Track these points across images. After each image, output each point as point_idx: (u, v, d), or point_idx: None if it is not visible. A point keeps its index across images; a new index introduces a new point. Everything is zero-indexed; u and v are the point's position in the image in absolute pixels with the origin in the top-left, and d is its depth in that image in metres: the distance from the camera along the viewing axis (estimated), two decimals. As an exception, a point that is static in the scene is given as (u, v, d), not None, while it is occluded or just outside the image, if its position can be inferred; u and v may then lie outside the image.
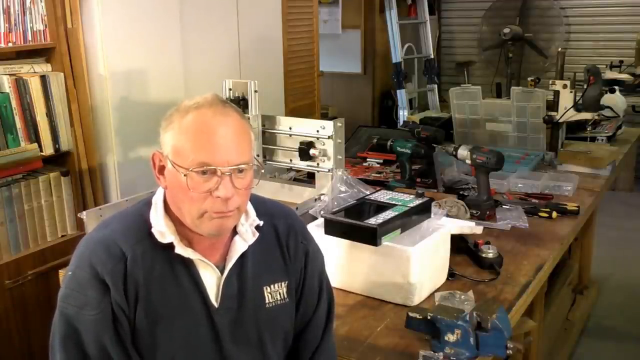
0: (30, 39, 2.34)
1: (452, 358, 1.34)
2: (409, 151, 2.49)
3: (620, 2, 5.49)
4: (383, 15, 5.44)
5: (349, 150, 2.94)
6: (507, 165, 2.25)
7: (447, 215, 1.98)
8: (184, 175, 1.10)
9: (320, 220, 1.74)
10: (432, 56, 5.67)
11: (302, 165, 2.24)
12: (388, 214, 1.65)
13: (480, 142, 2.89)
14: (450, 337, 1.34)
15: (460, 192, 2.39)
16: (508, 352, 1.32)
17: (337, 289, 1.61)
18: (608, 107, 3.18)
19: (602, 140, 3.15)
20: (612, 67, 4.10)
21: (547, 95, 2.90)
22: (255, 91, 2.22)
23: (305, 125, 2.22)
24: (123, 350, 1.13)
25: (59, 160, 2.48)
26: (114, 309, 1.12)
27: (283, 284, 1.27)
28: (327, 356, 1.33)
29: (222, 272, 1.21)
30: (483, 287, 1.72)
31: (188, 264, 1.18)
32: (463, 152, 2.21)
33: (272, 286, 1.25)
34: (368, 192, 1.96)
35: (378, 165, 2.88)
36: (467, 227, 1.85)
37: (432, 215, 1.78)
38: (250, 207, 1.25)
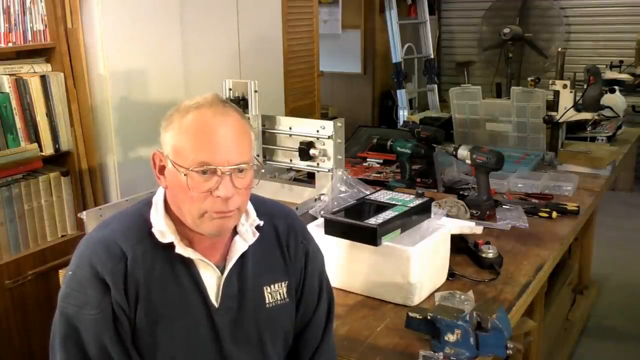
0: (30, 39, 2.34)
1: (452, 358, 1.34)
2: (409, 151, 2.49)
3: (620, 2, 5.49)
4: (383, 15, 5.44)
5: (349, 150, 2.94)
6: (507, 165, 2.25)
7: (447, 215, 1.98)
8: (184, 174, 1.10)
9: (320, 220, 1.74)
10: (432, 56, 5.67)
11: (302, 165, 2.24)
12: (388, 214, 1.65)
13: (480, 142, 2.89)
14: (450, 337, 1.34)
15: (460, 192, 2.39)
16: (508, 352, 1.32)
17: (337, 289, 1.61)
18: (608, 107, 3.18)
19: (602, 140, 3.15)
20: (612, 67, 4.10)
21: (547, 95, 2.90)
22: (255, 91, 2.22)
23: (305, 125, 2.22)
24: (123, 349, 1.13)
25: (59, 160, 2.48)
26: (114, 308, 1.12)
27: (283, 284, 1.27)
28: (327, 356, 1.33)
29: (222, 272, 1.21)
30: (483, 287, 1.72)
31: (188, 263, 1.18)
32: (463, 152, 2.21)
33: (272, 286, 1.25)
34: (368, 192, 1.96)
35: (378, 165, 2.88)
36: (467, 227, 1.85)
37: (432, 215, 1.78)
38: (250, 207, 1.25)
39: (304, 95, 3.96)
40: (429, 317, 1.37)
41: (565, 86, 2.81)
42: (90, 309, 1.11)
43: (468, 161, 2.20)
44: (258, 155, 2.25)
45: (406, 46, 5.51)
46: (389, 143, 2.58)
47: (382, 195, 1.81)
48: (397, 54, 5.32)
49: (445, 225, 1.75)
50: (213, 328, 1.19)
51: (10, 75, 2.30)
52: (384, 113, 5.85)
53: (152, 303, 1.14)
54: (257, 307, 1.23)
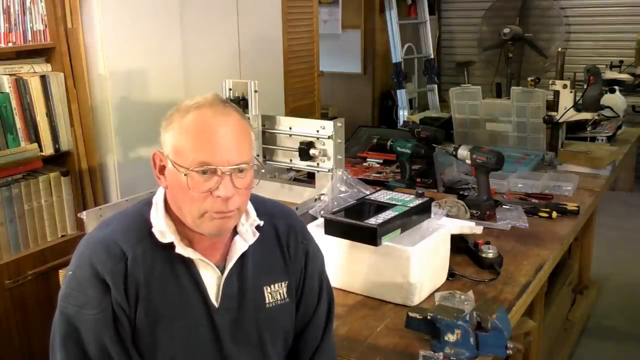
0: (30, 39, 2.34)
1: (452, 358, 1.34)
2: (409, 151, 2.49)
3: (620, 2, 5.50)
4: (383, 15, 5.44)
5: (349, 150, 2.94)
6: (507, 165, 2.25)
7: (447, 215, 1.98)
8: (185, 174, 1.10)
9: (320, 220, 1.74)
10: (432, 56, 5.67)
11: (302, 165, 2.24)
12: (388, 214, 1.65)
13: (480, 142, 2.89)
14: (450, 337, 1.34)
15: (460, 192, 2.39)
16: (508, 352, 1.32)
17: (337, 289, 1.61)
18: (608, 107, 3.18)
19: (602, 140, 3.15)
20: (612, 67, 4.10)
21: (547, 95, 2.90)
22: (255, 91, 2.22)
23: (305, 125, 2.22)
24: (123, 349, 1.13)
25: (59, 160, 2.48)
26: (114, 308, 1.12)
27: (283, 284, 1.27)
28: (327, 356, 1.33)
29: (222, 272, 1.21)
30: (483, 287, 1.72)
31: (188, 263, 1.18)
32: (463, 152, 2.21)
33: (272, 286, 1.26)
34: (368, 192, 1.96)
35: (378, 165, 2.88)
36: (467, 227, 1.85)
37: (432, 215, 1.78)
38: (250, 207, 1.25)
39: (304, 95, 3.96)
40: (429, 317, 1.37)
41: (565, 86, 2.81)
42: (91, 309, 1.11)
43: (468, 161, 2.20)
44: (258, 155, 2.25)
45: (406, 46, 5.51)
46: (389, 143, 2.58)
47: (382, 195, 1.81)
48: (397, 54, 5.32)
49: (445, 225, 1.75)
50: (213, 328, 1.19)
51: (10, 75, 2.30)
52: (384, 113, 5.85)
53: (152, 303, 1.14)
54: (257, 307, 1.23)
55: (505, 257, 1.85)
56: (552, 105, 2.86)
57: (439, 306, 1.49)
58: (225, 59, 3.14)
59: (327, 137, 2.15)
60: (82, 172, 2.52)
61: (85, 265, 1.13)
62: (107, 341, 1.11)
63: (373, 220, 1.60)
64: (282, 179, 2.40)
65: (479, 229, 1.85)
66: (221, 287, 1.20)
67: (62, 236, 2.46)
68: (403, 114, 5.28)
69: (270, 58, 3.51)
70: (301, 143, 2.19)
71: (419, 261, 1.58)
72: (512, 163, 2.71)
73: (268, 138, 2.30)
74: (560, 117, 2.83)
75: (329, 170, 2.17)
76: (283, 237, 1.29)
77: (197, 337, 1.18)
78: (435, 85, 5.66)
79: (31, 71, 2.38)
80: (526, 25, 5.71)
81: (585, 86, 2.77)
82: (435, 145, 2.49)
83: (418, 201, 1.75)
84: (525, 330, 1.86)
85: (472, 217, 2.13)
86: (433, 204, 1.82)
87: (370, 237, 1.57)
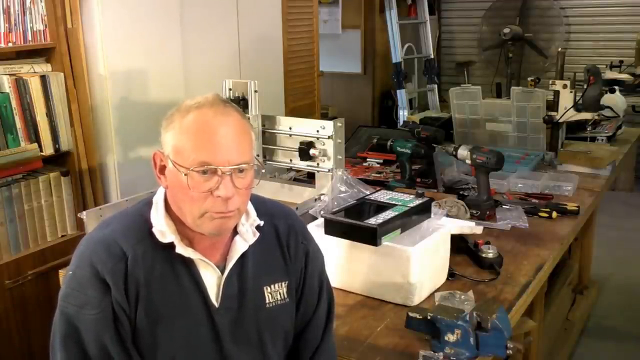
0: (30, 39, 2.34)
1: (452, 358, 1.34)
2: (409, 151, 2.49)
3: (620, 2, 5.50)
4: (383, 15, 5.44)
5: (349, 150, 2.94)
6: (507, 165, 2.25)
7: (447, 215, 1.98)
8: (185, 174, 1.10)
9: (320, 220, 1.74)
10: (432, 56, 5.67)
11: (302, 165, 2.24)
12: (388, 214, 1.65)
13: (480, 142, 2.89)
14: (450, 337, 1.34)
15: (460, 192, 2.39)
16: (508, 352, 1.32)
17: (337, 289, 1.61)
18: (608, 107, 3.18)
19: (602, 140, 3.15)
20: (612, 67, 4.10)
21: (547, 95, 2.90)
22: (255, 91, 2.22)
23: (305, 125, 2.22)
24: (123, 349, 1.13)
25: (59, 160, 2.48)
26: (114, 308, 1.12)
27: (283, 284, 1.27)
28: (327, 356, 1.33)
29: (222, 272, 1.21)
30: (483, 287, 1.72)
31: (188, 263, 1.18)
32: (463, 152, 2.21)
33: (272, 286, 1.26)
34: (368, 192, 1.96)
35: (378, 165, 2.88)
36: (467, 227, 1.85)
37: (432, 215, 1.78)
38: (250, 207, 1.25)
39: (304, 95, 3.96)
40: (429, 317, 1.37)
41: (565, 86, 2.81)
42: (91, 309, 1.11)
43: (468, 161, 2.20)
44: (258, 155, 2.25)
45: (406, 46, 5.51)
46: (389, 143, 2.58)
47: (382, 195, 1.81)
48: (397, 54, 5.32)
49: (445, 225, 1.75)
50: (213, 328, 1.19)
51: (10, 75, 2.30)
52: (384, 113, 5.85)
53: (152, 303, 1.14)
54: (257, 307, 1.23)
55: (505, 257, 1.85)
56: (552, 105, 2.86)
57: (439, 306, 1.49)
58: (225, 59, 3.14)
59: (327, 137, 2.15)
60: (82, 172, 2.52)
61: (86, 265, 1.13)
62: (107, 341, 1.11)
63: (373, 220, 1.60)
64: (282, 179, 2.39)
65: (479, 229, 1.85)
66: (221, 287, 1.20)
67: (62, 236, 2.46)
68: (403, 114, 5.28)
69: (270, 58, 3.51)
70: (301, 143, 2.19)
71: (419, 261, 1.58)
72: (512, 163, 2.71)
73: (268, 138, 2.30)
74: (560, 117, 2.83)
75: (329, 170, 2.17)
76: (283, 237, 1.29)
77: (197, 337, 1.18)
78: (435, 85, 5.66)
79: (31, 71, 2.38)
80: (526, 25, 5.71)
81: (585, 86, 2.77)
82: (435, 145, 2.49)
83: (418, 201, 1.75)
84: (525, 330, 1.86)
85: (472, 217, 2.13)
86: (433, 204, 1.82)
87: (370, 237, 1.57)
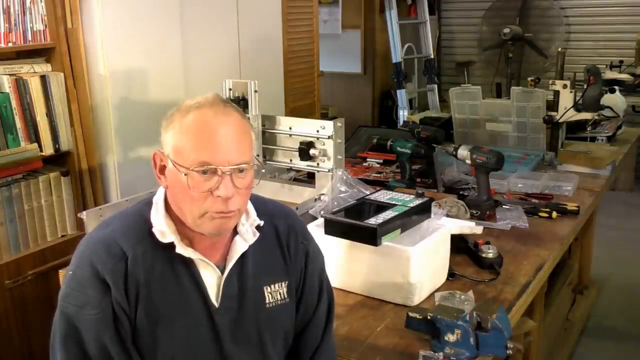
0: (30, 39, 2.34)
1: (452, 358, 1.34)
2: (409, 151, 2.49)
3: (620, 2, 5.50)
4: (383, 15, 5.44)
5: (349, 150, 2.94)
6: (507, 165, 2.25)
7: (447, 215, 1.98)
8: (185, 174, 1.10)
9: (320, 220, 1.74)
10: (432, 56, 5.67)
11: (302, 165, 2.24)
12: (388, 214, 1.65)
13: (480, 142, 2.89)
14: (450, 337, 1.34)
15: (460, 192, 2.39)
16: (508, 352, 1.32)
17: (337, 289, 1.61)
18: (608, 107, 3.18)
19: (602, 140, 3.15)
20: (612, 67, 4.10)
21: (547, 95, 2.90)
22: (255, 91, 2.22)
23: (305, 125, 2.22)
24: (123, 349, 1.13)
25: (59, 160, 2.48)
26: (114, 308, 1.12)
27: (283, 284, 1.27)
28: (327, 356, 1.33)
29: (222, 272, 1.21)
30: (483, 287, 1.72)
31: (188, 263, 1.18)
32: (463, 152, 2.21)
33: (272, 286, 1.26)
34: (368, 192, 1.96)
35: (378, 165, 2.88)
36: (467, 227, 1.85)
37: (432, 215, 1.78)
38: (250, 207, 1.25)
39: (304, 95, 3.96)
40: (429, 317, 1.37)
41: (565, 86, 2.81)
42: (91, 309, 1.11)
43: (468, 161, 2.20)
44: (258, 155, 2.25)
45: (406, 46, 5.51)
46: (389, 143, 2.58)
47: (382, 195, 1.81)
48: (397, 54, 5.32)
49: (445, 225, 1.75)
50: (213, 328, 1.19)
51: (10, 75, 2.30)
52: (384, 113, 5.85)
53: (152, 303, 1.14)
54: (257, 307, 1.23)
55: (505, 257, 1.85)
56: (552, 105, 2.86)
57: (439, 306, 1.49)
58: (225, 59, 3.14)
59: (327, 137, 2.15)
60: (82, 172, 2.52)
61: (86, 265, 1.13)
62: (107, 341, 1.11)
63: (373, 220, 1.60)
64: (282, 179, 2.39)
65: (479, 229, 1.85)
66: (221, 287, 1.20)
67: (62, 236, 2.46)
68: (403, 114, 5.28)
69: (270, 58, 3.51)
70: (301, 143, 2.19)
71: (419, 261, 1.58)
72: (512, 163, 2.71)
73: (268, 138, 2.30)
74: (560, 117, 2.83)
75: (329, 170, 2.17)
76: (283, 237, 1.29)
77: (197, 337, 1.18)
78: (435, 85, 5.66)
79: (31, 71, 2.38)
80: (526, 25, 5.71)
81: (585, 86, 2.77)
82: (435, 145, 2.49)
83: (418, 201, 1.75)
84: (525, 330, 1.86)
85: (472, 217, 2.13)
86: (433, 204, 1.82)
87: (370, 237, 1.57)
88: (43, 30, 2.37)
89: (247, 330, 1.23)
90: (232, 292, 1.21)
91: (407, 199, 1.76)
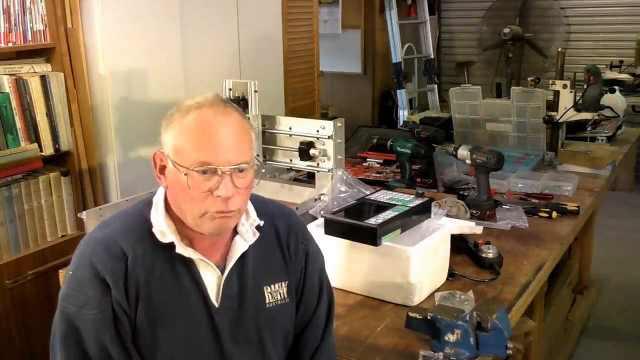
0: (30, 39, 2.34)
1: (452, 358, 1.34)
2: (409, 151, 2.49)
3: (620, 2, 5.50)
4: (383, 15, 5.44)
5: (349, 150, 2.94)
6: (507, 165, 2.25)
7: (447, 215, 1.98)
8: (185, 174, 1.10)
9: (320, 220, 1.74)
10: (432, 56, 5.67)
11: (302, 165, 2.24)
12: (388, 214, 1.65)
13: (480, 142, 2.89)
14: (450, 337, 1.34)
15: (460, 192, 2.39)
16: (508, 352, 1.32)
17: (337, 289, 1.61)
18: (608, 107, 3.18)
19: (602, 140, 3.15)
20: (612, 67, 4.10)
21: (547, 95, 2.90)
22: (255, 91, 2.22)
23: (305, 125, 2.22)
24: (123, 349, 1.13)
25: (59, 160, 2.48)
26: (114, 308, 1.12)
27: (283, 284, 1.27)
28: (327, 356, 1.33)
29: (222, 272, 1.21)
30: (483, 287, 1.72)
31: (188, 263, 1.18)
32: (463, 152, 2.21)
33: (272, 286, 1.26)
34: (368, 192, 1.96)
35: (378, 165, 2.88)
36: (467, 227, 1.85)
37: (432, 215, 1.78)
38: (250, 207, 1.25)
39: (304, 95, 3.96)
40: (429, 317, 1.37)
41: (565, 86, 2.81)
42: (91, 309, 1.11)
43: (468, 161, 2.20)
44: (258, 155, 2.25)
45: (406, 46, 5.51)
46: (389, 143, 2.58)
47: (382, 195, 1.81)
48: (397, 54, 5.32)
49: (445, 225, 1.75)
50: (213, 328, 1.19)
51: (10, 75, 2.30)
52: (384, 113, 5.85)
53: (152, 303, 1.14)
54: (257, 307, 1.23)
55: (505, 257, 1.85)
56: (552, 105, 2.86)
57: (439, 306, 1.49)
58: (225, 59, 3.14)
59: (327, 137, 2.15)
60: (82, 172, 2.52)
61: (86, 265, 1.13)
62: (107, 341, 1.11)
63: (373, 220, 1.60)
64: (282, 179, 2.39)
65: (479, 229, 1.85)
66: (221, 287, 1.20)
67: (62, 236, 2.46)
68: (403, 114, 5.28)
69: (270, 58, 3.51)
70: (301, 143, 2.19)
71: (419, 261, 1.58)
72: (512, 163, 2.71)
73: (268, 138, 2.30)
74: (560, 117, 2.83)
75: (329, 170, 2.17)
76: (283, 237, 1.29)
77: (197, 337, 1.18)
78: (435, 85, 5.66)
79: (31, 71, 2.38)
80: (526, 25, 5.71)
81: (585, 86, 2.77)
82: (435, 145, 2.49)
83: (418, 201, 1.75)
84: (525, 330, 1.86)
85: (472, 217, 2.13)
86: (433, 204, 1.82)
87: (370, 237, 1.57)
88: (43, 30, 2.37)
89: (247, 330, 1.23)
90: (232, 292, 1.21)
91: (407, 199, 1.76)
